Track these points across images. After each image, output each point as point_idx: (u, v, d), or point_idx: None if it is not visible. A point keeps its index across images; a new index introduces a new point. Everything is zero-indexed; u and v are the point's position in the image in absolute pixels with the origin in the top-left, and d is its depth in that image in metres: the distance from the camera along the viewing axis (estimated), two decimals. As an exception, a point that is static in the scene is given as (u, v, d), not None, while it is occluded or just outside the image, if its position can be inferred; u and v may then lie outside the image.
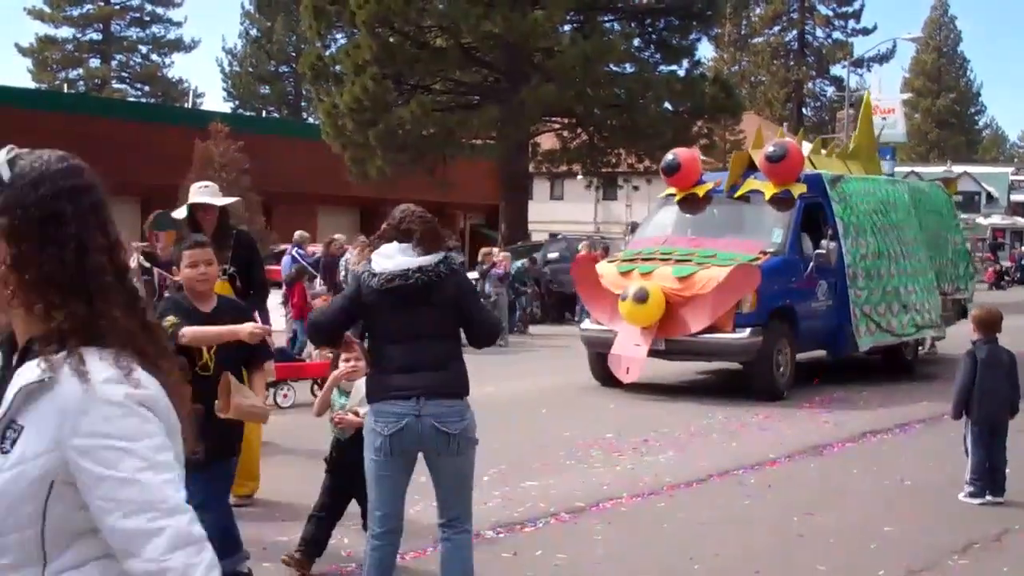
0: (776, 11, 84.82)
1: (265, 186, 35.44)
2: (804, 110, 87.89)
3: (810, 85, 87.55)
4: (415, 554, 7.88)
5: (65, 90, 67.34)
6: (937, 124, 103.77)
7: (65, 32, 78.10)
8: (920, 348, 20.21)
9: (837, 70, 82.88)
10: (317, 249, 24.55)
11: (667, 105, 36.43)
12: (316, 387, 15.44)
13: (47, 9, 76.47)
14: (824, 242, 16.75)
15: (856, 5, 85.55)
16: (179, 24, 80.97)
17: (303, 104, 79.51)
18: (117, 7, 78.68)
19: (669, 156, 18.57)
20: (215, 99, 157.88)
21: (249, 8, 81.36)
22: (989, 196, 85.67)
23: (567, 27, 35.17)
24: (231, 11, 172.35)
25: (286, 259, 23.00)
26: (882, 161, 62.14)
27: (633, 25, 36.44)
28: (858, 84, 76.31)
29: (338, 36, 39.10)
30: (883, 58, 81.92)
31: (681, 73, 36.89)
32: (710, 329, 15.72)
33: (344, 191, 41.16)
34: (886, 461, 11.79)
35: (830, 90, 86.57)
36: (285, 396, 15.08)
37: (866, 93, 24.47)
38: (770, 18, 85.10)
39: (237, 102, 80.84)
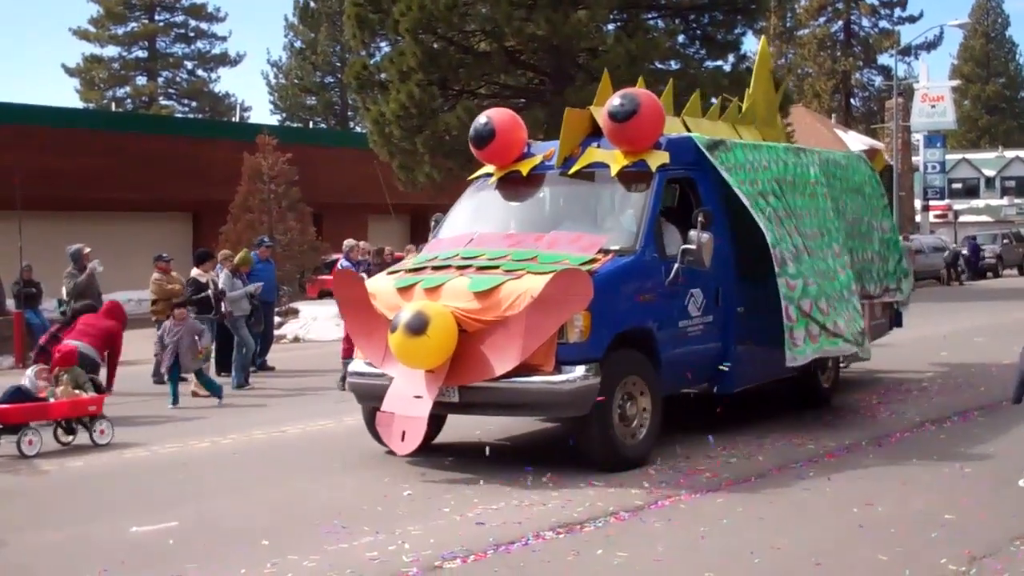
0: (821, 2, 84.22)
1: (314, 197, 35.69)
2: (852, 101, 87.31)
3: (858, 75, 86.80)
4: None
5: (113, 108, 68.04)
6: (987, 110, 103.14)
7: (111, 51, 78.65)
8: (842, 364, 15.84)
9: (885, 59, 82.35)
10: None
11: (714, 100, 36.23)
12: (60, 430, 13.50)
13: (92, 29, 77.03)
14: (693, 233, 11.71)
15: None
16: (224, 39, 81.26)
17: (350, 114, 79.74)
18: (162, 24, 79.21)
19: (481, 119, 13.25)
20: (262, 112, 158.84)
21: (293, 20, 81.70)
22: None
23: (611, 26, 35.09)
24: (275, 24, 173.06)
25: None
26: (933, 149, 61.42)
27: (677, 21, 36.27)
28: (906, 73, 76.14)
29: (382, 44, 39.23)
30: (930, 45, 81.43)
31: (727, 68, 36.68)
32: (522, 369, 10.76)
33: (394, 199, 41.35)
34: (945, 449, 11.70)
35: (878, 79, 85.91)
36: (31, 443, 12.78)
37: (762, 40, 18.76)
38: (815, 9, 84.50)
39: (284, 114, 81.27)
